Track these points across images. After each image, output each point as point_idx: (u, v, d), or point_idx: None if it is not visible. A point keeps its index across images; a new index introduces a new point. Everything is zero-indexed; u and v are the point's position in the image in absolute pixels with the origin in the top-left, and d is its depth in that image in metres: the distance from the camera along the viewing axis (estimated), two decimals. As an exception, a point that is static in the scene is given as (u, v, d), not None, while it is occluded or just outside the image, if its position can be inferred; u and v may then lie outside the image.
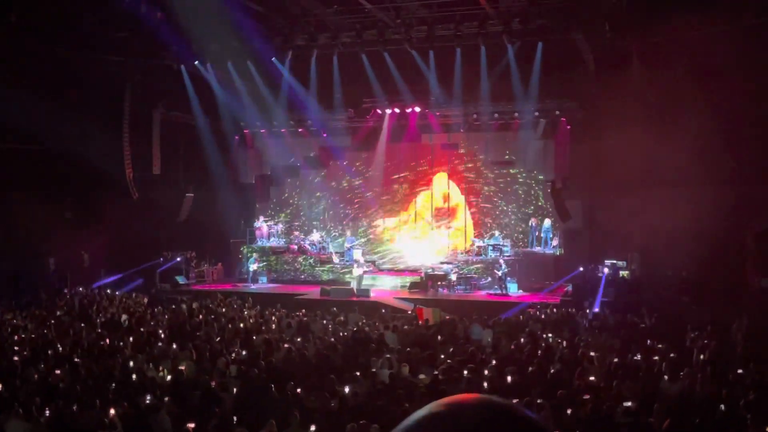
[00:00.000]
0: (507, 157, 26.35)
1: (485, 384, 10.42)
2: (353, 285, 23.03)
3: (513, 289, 22.46)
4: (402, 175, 27.33)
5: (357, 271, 23.36)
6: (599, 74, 22.07)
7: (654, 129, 20.95)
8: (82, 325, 15.95)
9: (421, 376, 10.92)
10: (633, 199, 21.71)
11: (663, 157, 20.34)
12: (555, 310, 18.57)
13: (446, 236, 26.57)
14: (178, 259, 24.88)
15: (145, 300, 20.83)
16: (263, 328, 15.96)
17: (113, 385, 10.57)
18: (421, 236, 26.77)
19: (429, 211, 27.11)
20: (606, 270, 21.13)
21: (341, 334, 15.26)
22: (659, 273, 20.98)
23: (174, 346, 13.24)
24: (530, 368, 11.24)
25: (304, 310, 18.76)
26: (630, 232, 21.86)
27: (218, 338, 14.44)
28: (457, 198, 26.85)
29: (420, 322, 17.06)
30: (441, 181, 27.10)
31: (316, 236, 26.76)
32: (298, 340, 14.41)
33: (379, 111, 26.09)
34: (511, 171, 26.14)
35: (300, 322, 16.58)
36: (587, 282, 21.26)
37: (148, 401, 9.56)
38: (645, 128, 20.99)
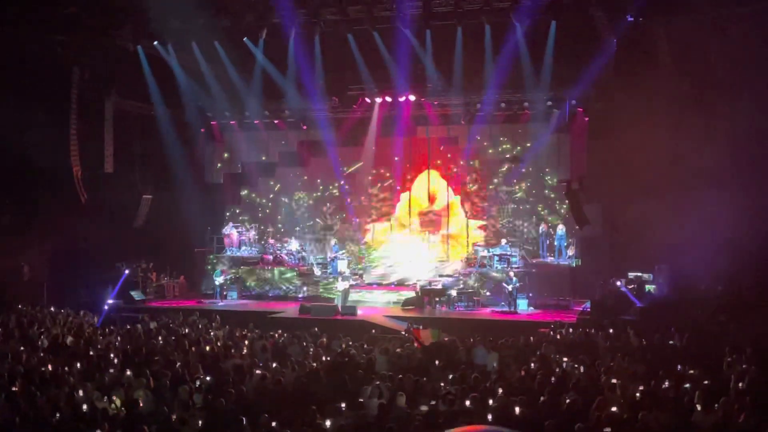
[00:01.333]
0: (515, 152, 26.43)
1: (490, 416, 10.41)
2: (337, 301, 23.00)
3: (523, 306, 22.49)
4: (394, 173, 27.34)
5: (342, 285, 23.33)
6: (622, 58, 22.14)
7: (685, 122, 21.04)
8: (22, 348, 15.83)
9: (422, 408, 10.90)
10: (660, 203, 21.76)
11: (695, 155, 20.42)
12: (571, 330, 18.60)
13: (438, 244, 26.64)
14: (127, 271, 24.57)
15: (95, 319, 20.70)
16: (233, 351, 15.90)
17: (57, 417, 10.49)
18: (417, 244, 26.78)
19: (415, 216, 27.15)
20: (619, 283, 21.21)
21: (324, 358, 15.23)
22: (691, 287, 21.03)
23: (128, 372, 13.15)
24: (542, 398, 11.24)
25: (280, 331, 18.72)
26: (657, 240, 21.91)
27: (180, 363, 14.37)
28: (449, 199, 26.89)
29: (416, 344, 17.04)
30: (427, 179, 27.14)
31: (294, 245, 26.73)
32: (274, 365, 14.38)
33: (367, 100, 26.11)
34: (520, 169, 26.19)
35: (275, 345, 16.54)
36: (605, 298, 21.31)
37: (97, 437, 9.49)
38: (675, 121, 21.08)
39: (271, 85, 25.58)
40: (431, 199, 27.18)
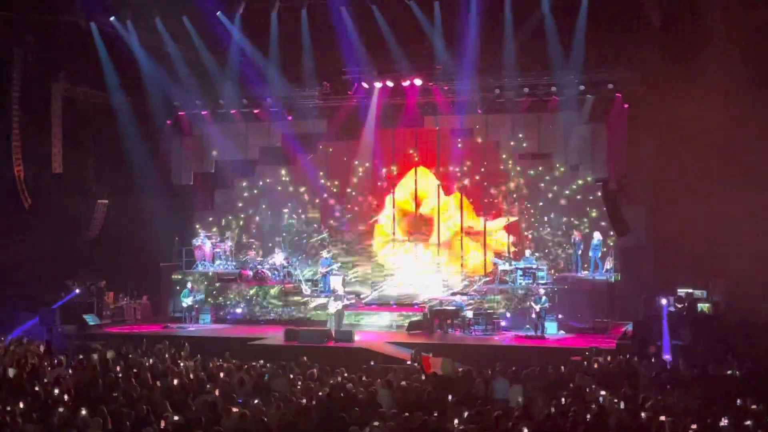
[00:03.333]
0: (541, 147, 26.42)
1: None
2: (330, 325, 22.97)
3: (551, 330, 22.46)
4: (396, 172, 27.35)
5: (335, 306, 23.31)
6: (668, 33, 22.13)
7: (744, 108, 21.02)
8: (-46, 383, 15.84)
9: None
10: (715, 206, 21.72)
11: (756, 148, 20.41)
12: (609, 358, 18.59)
13: (445, 254, 26.69)
14: (77, 291, 24.50)
15: (41, 348, 20.69)
16: (207, 385, 15.91)
17: (-3, 466, 10.48)
18: (421, 256, 26.81)
19: (400, 223, 27.23)
20: (664, 302, 21.15)
21: (315, 394, 15.22)
22: (751, 306, 21.00)
23: (82, 411, 13.16)
24: (576, 439, 11.24)
25: (262, 361, 18.72)
26: (711, 250, 21.89)
27: (143, 400, 14.37)
28: (452, 202, 26.95)
29: (425, 375, 17.03)
30: (421, 178, 27.25)
31: (278, 258, 26.67)
32: (255, 402, 14.37)
33: (365, 85, 26.10)
34: (547, 167, 26.19)
35: (258, 378, 16.53)
36: (648, 318, 21.29)
37: (45, 488, 9.48)
38: (731, 107, 21.05)
39: (250, 68, 25.59)
40: (418, 202, 27.20)
